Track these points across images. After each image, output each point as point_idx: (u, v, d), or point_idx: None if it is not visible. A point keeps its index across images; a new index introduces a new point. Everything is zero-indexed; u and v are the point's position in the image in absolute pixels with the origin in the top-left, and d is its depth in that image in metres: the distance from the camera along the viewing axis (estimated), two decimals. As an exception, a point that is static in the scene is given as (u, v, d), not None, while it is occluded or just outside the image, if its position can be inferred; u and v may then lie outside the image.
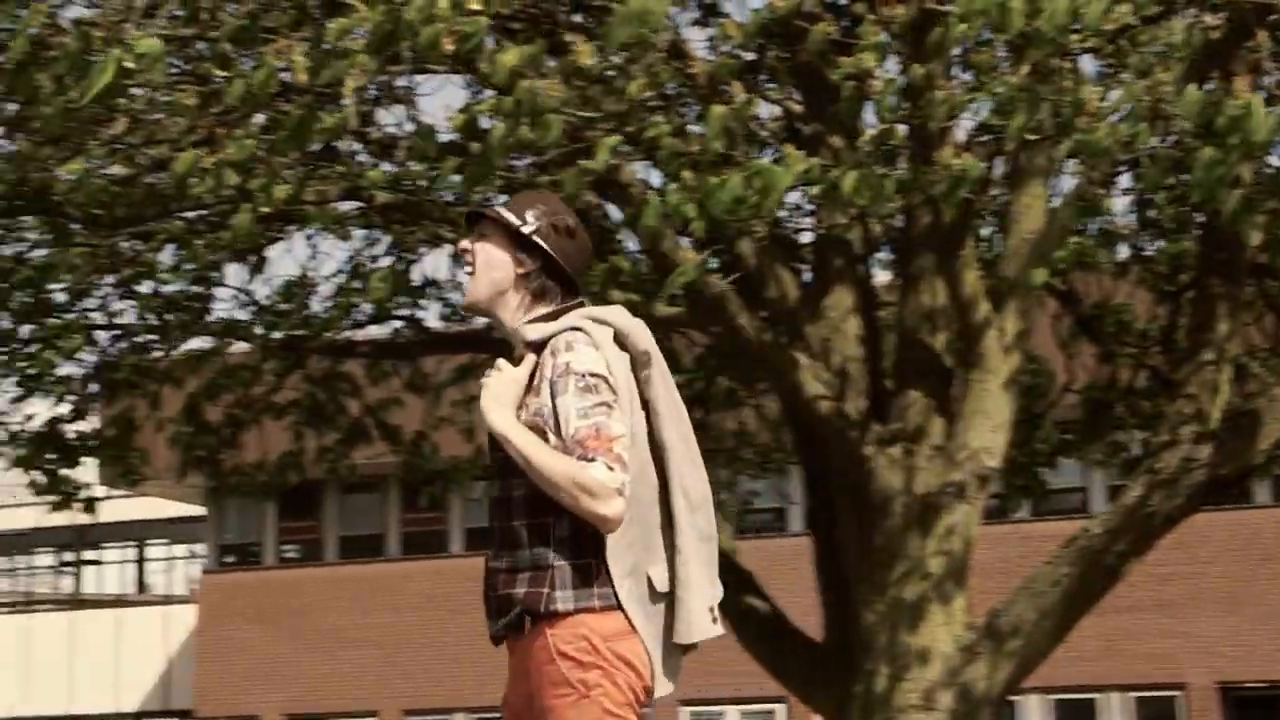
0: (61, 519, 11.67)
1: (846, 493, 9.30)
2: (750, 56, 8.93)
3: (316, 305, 10.73)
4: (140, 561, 37.57)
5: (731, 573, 10.26)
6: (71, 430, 11.24)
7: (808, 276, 9.59)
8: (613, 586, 3.61)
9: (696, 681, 26.92)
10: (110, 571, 37.94)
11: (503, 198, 9.33)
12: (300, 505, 29.38)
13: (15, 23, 6.84)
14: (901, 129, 7.74)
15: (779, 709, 25.88)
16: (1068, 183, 9.56)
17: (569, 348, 3.62)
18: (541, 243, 3.78)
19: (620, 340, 3.69)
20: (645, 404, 3.70)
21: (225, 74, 7.61)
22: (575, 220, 3.84)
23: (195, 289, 10.51)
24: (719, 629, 3.73)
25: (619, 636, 3.61)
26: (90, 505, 11.30)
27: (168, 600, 36.43)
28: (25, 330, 10.38)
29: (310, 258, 11.03)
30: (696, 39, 9.72)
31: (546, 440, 3.60)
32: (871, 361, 9.38)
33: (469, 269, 3.84)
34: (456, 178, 8.05)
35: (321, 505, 29.93)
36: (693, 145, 7.70)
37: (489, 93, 7.87)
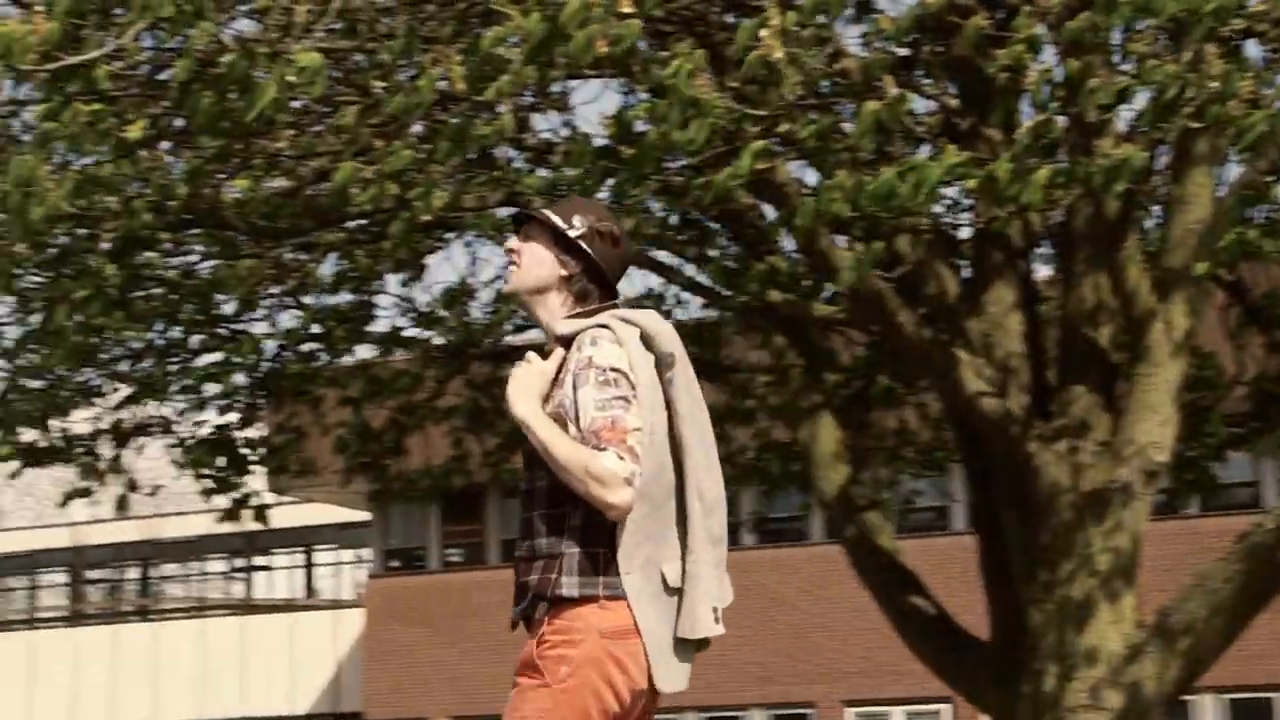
0: (231, 526, 11.88)
1: (1011, 490, 9.19)
2: (904, 52, 8.86)
3: (476, 311, 10.84)
4: (309, 567, 38.25)
5: (894, 572, 10.19)
6: (240, 437, 11.47)
7: (967, 272, 9.49)
8: (619, 577, 3.71)
9: (861, 681, 26.82)
10: (280, 577, 38.68)
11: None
12: (463, 509, 29.68)
13: (182, 42, 6.98)
14: (1060, 120, 7.63)
15: (944, 709, 25.61)
16: (1234, 171, 9.36)
17: (594, 343, 3.76)
18: (585, 247, 3.91)
19: (647, 341, 3.81)
20: (668, 404, 3.81)
21: (384, 84, 7.72)
22: (620, 228, 3.97)
23: (357, 298, 10.66)
24: (719, 629, 3.82)
25: (617, 635, 3.71)
26: (261, 513, 11.52)
27: (336, 605, 37.00)
28: (195, 340, 10.62)
29: (470, 264, 11.13)
30: (850, 35, 9.67)
31: (567, 430, 3.73)
32: (1034, 357, 9.25)
33: (514, 266, 3.96)
34: (611, 182, 8.10)
35: (484, 509, 30.19)
36: (845, 143, 7.66)
37: (643, 95, 7.90)
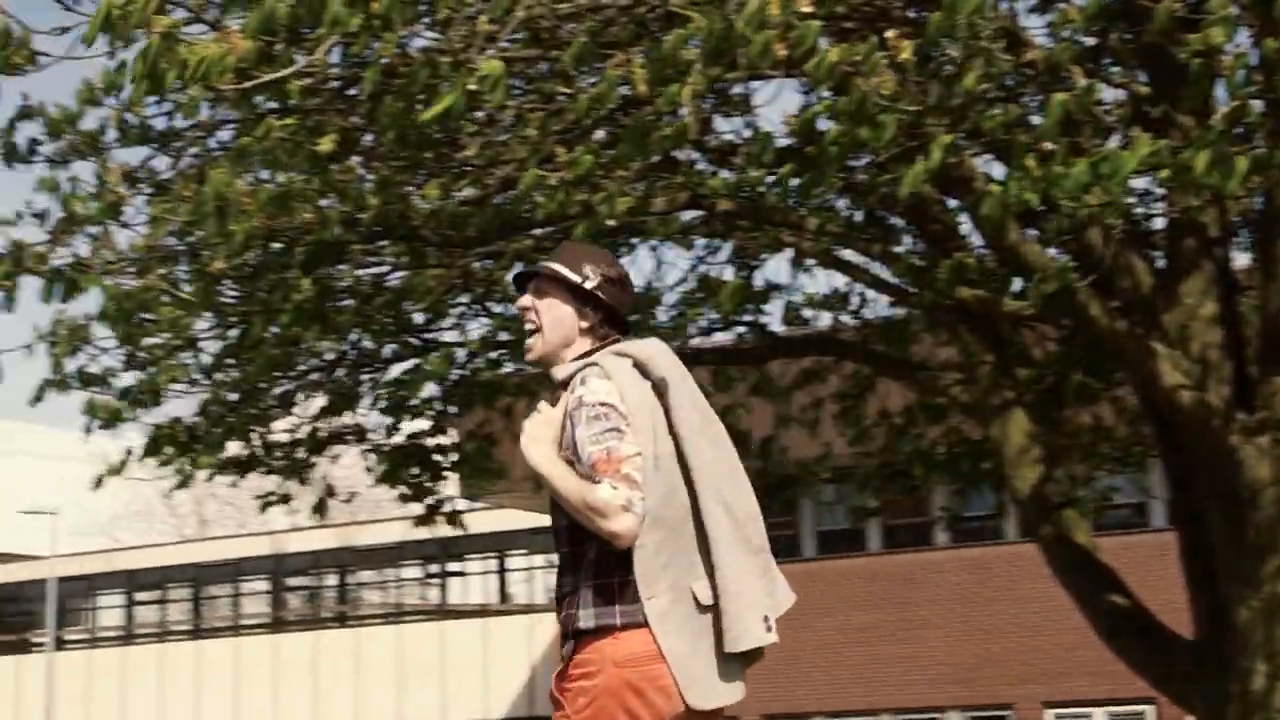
0: (427, 532, 12.04)
1: (1213, 485, 8.97)
2: (1091, 41, 8.70)
3: (662, 315, 10.85)
4: (502, 572, 38.66)
5: (1092, 570, 10.00)
6: (433, 444, 11.62)
7: (1161, 263, 9.28)
8: (640, 604, 3.80)
9: (1061, 682, 26.38)
10: (474, 582, 39.15)
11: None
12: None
13: (369, 55, 7.11)
14: (1256, 105, 7.43)
15: (1148, 710, 25.08)
16: None
17: (583, 382, 3.89)
18: (604, 297, 4.03)
19: (642, 369, 3.92)
20: (672, 427, 3.91)
21: (567, 91, 7.77)
22: (622, 268, 4.08)
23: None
24: (773, 637, 3.90)
25: (635, 662, 3.80)
26: (456, 518, 11.67)
27: (530, 609, 37.34)
28: (388, 350, 10.79)
29: (655, 269, 11.15)
30: (1034, 26, 9.52)
31: (575, 470, 3.85)
32: (1233, 348, 9.02)
33: (530, 325, 4.06)
34: (796, 182, 8.06)
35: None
36: (1031, 135, 7.54)
37: (825, 94, 7.85)
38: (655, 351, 3.96)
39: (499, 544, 37.31)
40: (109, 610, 43.95)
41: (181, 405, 10.73)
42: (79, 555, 45.11)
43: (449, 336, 10.84)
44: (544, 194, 7.91)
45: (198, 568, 42.42)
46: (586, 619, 3.84)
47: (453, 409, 11.42)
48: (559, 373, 4.01)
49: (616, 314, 4.06)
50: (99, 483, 10.48)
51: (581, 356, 4.00)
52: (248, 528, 52.19)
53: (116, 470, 10.50)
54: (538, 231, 9.61)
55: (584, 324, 4.04)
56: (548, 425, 3.94)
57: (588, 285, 4.02)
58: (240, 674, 40.69)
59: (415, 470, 11.61)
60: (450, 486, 12.04)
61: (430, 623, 38.88)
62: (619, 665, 3.79)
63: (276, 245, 9.00)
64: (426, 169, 8.80)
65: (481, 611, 38.45)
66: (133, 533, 56.75)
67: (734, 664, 3.88)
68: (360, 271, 9.76)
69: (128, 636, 43.20)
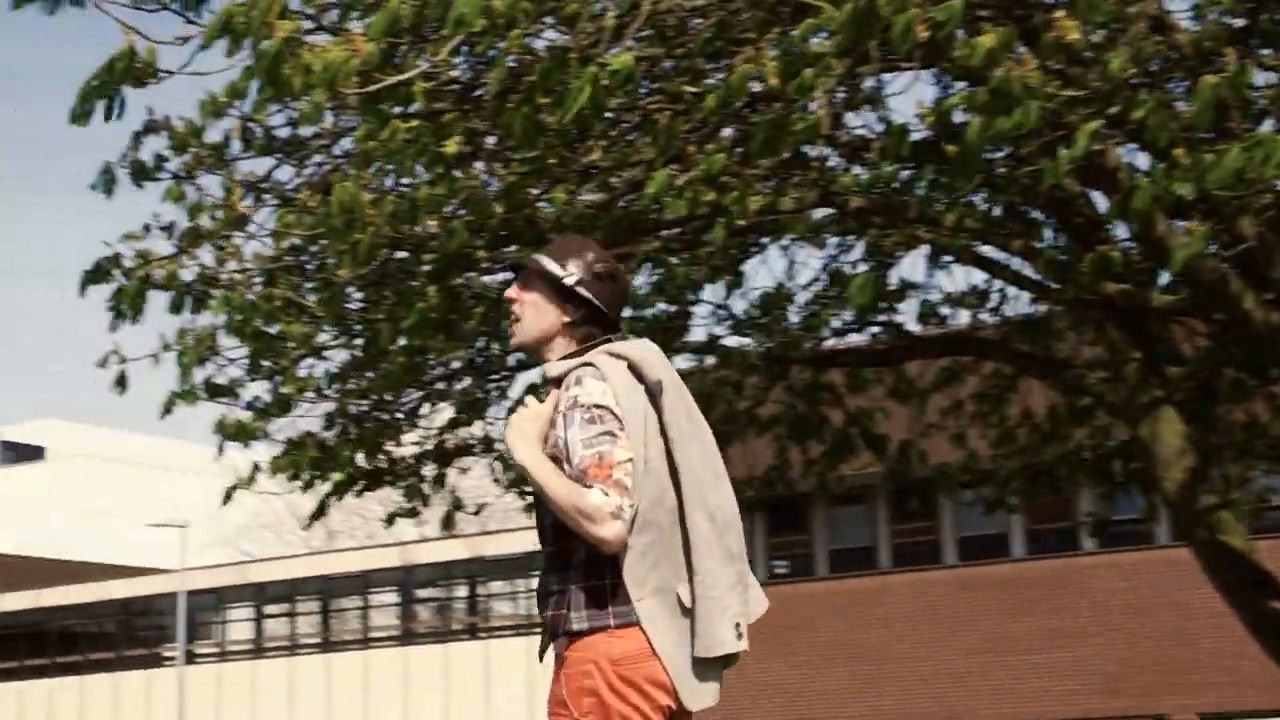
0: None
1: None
2: (1240, 22, 8.37)
3: (794, 316, 10.63)
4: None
5: (1249, 574, 9.63)
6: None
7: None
8: (631, 605, 3.85)
9: (1220, 691, 25.67)
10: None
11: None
12: (789, 520, 29.49)
13: (493, 54, 6.97)
14: None
15: (1314, 720, 24.38)
16: None
17: (578, 382, 3.91)
18: (585, 293, 4.06)
19: (636, 371, 3.95)
20: (663, 430, 3.94)
21: (695, 89, 7.58)
22: (613, 263, 4.10)
23: (674, 308, 10.55)
24: (744, 644, 3.93)
25: (630, 660, 3.85)
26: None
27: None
28: (513, 359, 10.65)
29: (788, 268, 10.92)
30: (1180, 9, 9.19)
31: (563, 470, 3.86)
32: (1398, 340, 8.63)
33: (513, 317, 4.13)
34: (934, 179, 7.82)
35: (810, 519, 29.91)
36: (1181, 122, 7.23)
37: (959, 86, 7.60)
38: (649, 355, 3.99)
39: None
40: (238, 624, 44.43)
41: (309, 420, 10.64)
42: (208, 568, 45.69)
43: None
44: (672, 195, 7.74)
45: (326, 580, 42.75)
46: (579, 620, 3.89)
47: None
48: (551, 370, 4.05)
49: (602, 310, 4.09)
50: (228, 497, 10.43)
51: (573, 354, 4.04)
52: (376, 539, 52.59)
53: (246, 484, 10.46)
54: (666, 233, 9.43)
55: (566, 319, 4.08)
56: (534, 420, 3.97)
57: (568, 281, 4.07)
58: (370, 687, 40.93)
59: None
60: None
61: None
62: (616, 663, 3.85)
63: (401, 254, 8.90)
64: (551, 174, 8.66)
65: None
66: (260, 545, 57.43)
67: (711, 668, 3.95)
68: (487, 279, 9.64)
69: (257, 650, 43.62)
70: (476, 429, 11.41)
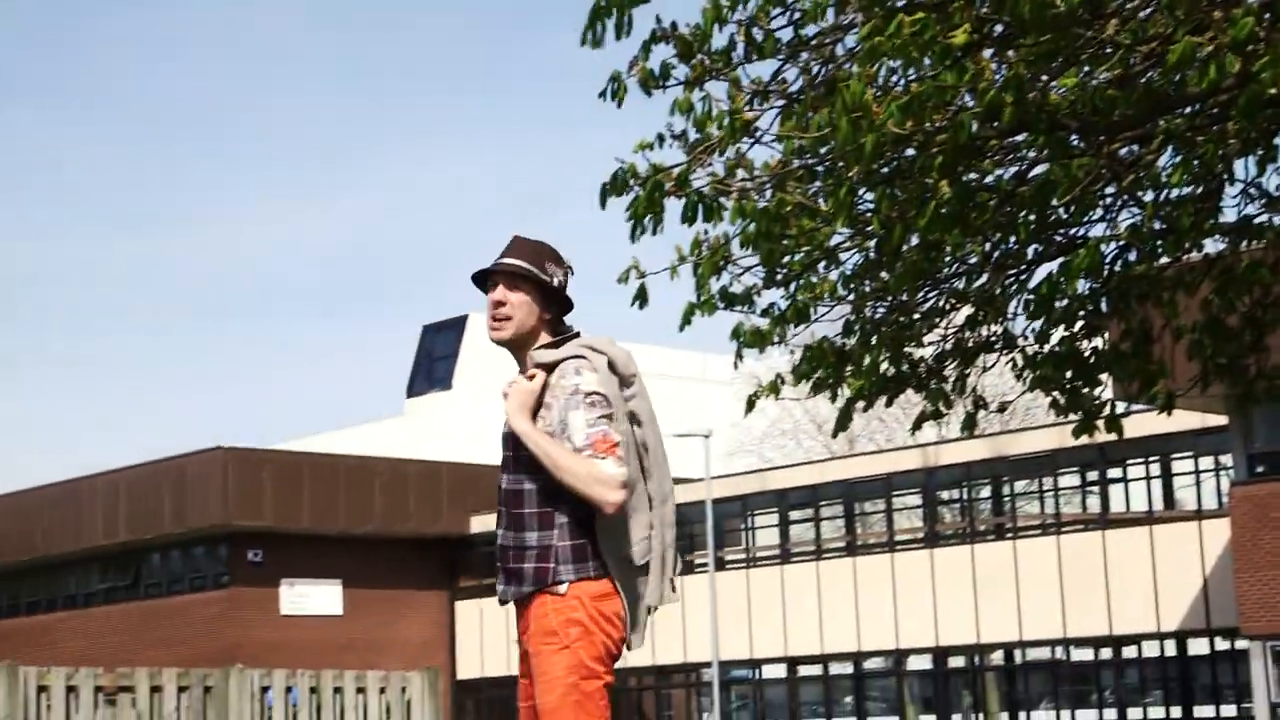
0: (1084, 439, 11.50)
1: None
2: None
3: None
4: (1166, 476, 37.13)
5: None
6: (1087, 347, 11.07)
7: None
8: (603, 559, 4.75)
9: None
10: (1136, 488, 37.81)
11: None
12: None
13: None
14: None
15: None
16: None
17: (578, 372, 4.78)
18: (568, 294, 4.97)
19: (611, 366, 4.81)
20: (631, 417, 4.82)
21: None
22: (567, 262, 4.97)
23: (1201, 188, 9.98)
24: (676, 597, 4.91)
25: (604, 597, 4.75)
26: (1115, 424, 11.08)
27: (1198, 515, 35.82)
28: (1031, 251, 10.32)
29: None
30: None
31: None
32: None
33: (504, 315, 4.89)
34: None
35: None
36: None
37: None
38: (621, 353, 4.82)
39: (1162, 447, 35.79)
40: (764, 530, 45.35)
41: (827, 326, 10.60)
42: (733, 476, 46.77)
43: (1096, 230, 10.26)
44: (1197, 66, 7.30)
45: (849, 485, 43.10)
46: (566, 573, 4.74)
47: (1105, 308, 10.82)
48: (542, 357, 4.84)
49: (569, 303, 4.97)
50: (750, 405, 10.53)
51: (553, 345, 4.88)
52: (895, 442, 52.67)
53: (769, 391, 10.53)
54: (1189, 109, 8.91)
55: (546, 316, 4.93)
56: (529, 395, 4.81)
57: (556, 284, 4.92)
58: (898, 588, 41.15)
59: (1069, 375, 11.08)
60: (1107, 389, 11.44)
61: (1091, 532, 37.97)
62: (594, 599, 4.73)
63: (910, 151, 8.72)
64: (1063, 55, 8.29)
65: (1146, 519, 37.16)
66: (781, 452, 58.40)
67: (644, 616, 4.86)
68: (1000, 171, 9.35)
69: (784, 556, 44.45)
70: (996, 326, 11.13)
